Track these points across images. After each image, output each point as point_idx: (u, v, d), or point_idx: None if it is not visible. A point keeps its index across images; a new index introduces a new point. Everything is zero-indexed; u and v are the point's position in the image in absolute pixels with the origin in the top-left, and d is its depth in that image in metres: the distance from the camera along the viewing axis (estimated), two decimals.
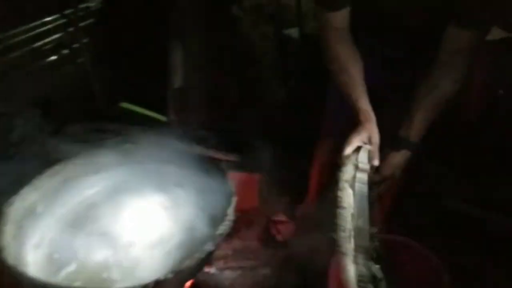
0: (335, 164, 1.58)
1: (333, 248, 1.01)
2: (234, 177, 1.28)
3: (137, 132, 1.48)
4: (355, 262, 0.92)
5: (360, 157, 1.09)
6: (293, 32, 2.74)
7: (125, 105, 1.82)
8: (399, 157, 1.16)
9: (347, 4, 1.14)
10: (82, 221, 1.19)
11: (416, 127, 1.13)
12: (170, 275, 0.93)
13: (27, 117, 1.43)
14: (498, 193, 1.79)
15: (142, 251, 1.14)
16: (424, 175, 1.87)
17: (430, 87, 1.11)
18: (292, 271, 1.48)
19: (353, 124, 1.15)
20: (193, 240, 1.19)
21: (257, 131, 2.16)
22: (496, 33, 2.30)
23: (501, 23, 2.33)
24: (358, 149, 1.10)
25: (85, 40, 1.90)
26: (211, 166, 1.31)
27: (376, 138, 1.11)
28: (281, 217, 1.71)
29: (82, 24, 1.89)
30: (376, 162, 1.11)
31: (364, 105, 1.13)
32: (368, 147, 1.10)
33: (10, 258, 0.95)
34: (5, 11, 1.55)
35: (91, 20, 1.94)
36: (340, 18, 1.16)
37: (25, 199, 1.13)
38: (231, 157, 1.74)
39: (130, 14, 1.95)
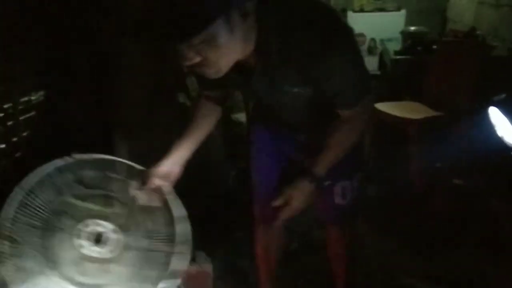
0: (276, 246, 1.58)
1: None
2: (186, 273, 1.21)
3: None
4: None
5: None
6: (241, 116, 2.84)
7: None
8: (300, 184, 1.18)
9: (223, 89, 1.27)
10: None
11: (319, 162, 1.18)
12: None
13: None
14: (450, 269, 1.82)
15: None
16: (377, 252, 1.88)
17: (333, 130, 1.18)
18: None
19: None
20: None
21: (206, 217, 2.12)
22: (422, 112, 2.53)
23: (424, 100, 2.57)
24: None
25: (24, 134, 1.83)
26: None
27: (162, 171, 1.19)
28: None
29: (22, 117, 1.83)
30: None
31: (179, 146, 1.23)
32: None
33: None
34: None
35: (32, 113, 1.89)
36: (215, 94, 1.28)
37: None
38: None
39: (73, 106, 1.93)
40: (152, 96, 1.84)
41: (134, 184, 1.14)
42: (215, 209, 2.17)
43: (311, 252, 1.97)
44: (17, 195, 1.04)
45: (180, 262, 1.14)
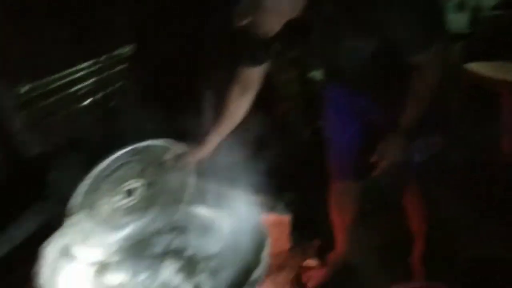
0: (351, 205, 1.58)
1: None
2: (264, 219, 1.26)
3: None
4: None
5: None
6: (317, 74, 2.79)
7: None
8: (392, 139, 1.18)
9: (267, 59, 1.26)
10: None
11: (404, 112, 1.16)
12: None
13: (63, 158, 1.46)
14: None
15: None
16: (462, 225, 1.81)
17: (413, 85, 1.15)
18: None
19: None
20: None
21: (283, 172, 2.16)
22: None
23: None
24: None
25: (118, 85, 1.97)
26: (243, 207, 1.29)
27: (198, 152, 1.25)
28: (312, 263, 1.66)
29: (117, 69, 1.96)
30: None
31: (216, 128, 1.29)
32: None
33: None
34: (43, 58, 1.62)
35: (124, 66, 2.02)
36: (257, 73, 1.28)
37: (59, 241, 1.13)
38: (261, 198, 1.72)
39: (161, 60, 2.02)
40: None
41: (171, 153, 1.23)
42: (295, 166, 2.20)
43: (387, 214, 1.94)
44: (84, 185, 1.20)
45: None
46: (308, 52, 1.58)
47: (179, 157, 1.23)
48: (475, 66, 2.40)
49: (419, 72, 1.12)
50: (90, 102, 1.88)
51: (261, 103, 2.25)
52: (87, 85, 1.86)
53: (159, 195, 1.22)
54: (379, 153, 1.18)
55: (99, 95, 1.94)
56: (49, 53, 1.64)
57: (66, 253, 1.15)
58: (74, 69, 1.81)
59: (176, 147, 1.26)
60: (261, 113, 2.19)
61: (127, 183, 1.22)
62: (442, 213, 1.78)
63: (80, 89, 1.83)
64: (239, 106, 1.30)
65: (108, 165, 1.24)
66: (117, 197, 1.20)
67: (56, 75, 1.71)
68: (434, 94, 1.16)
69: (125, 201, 1.20)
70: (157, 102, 1.98)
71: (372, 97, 1.32)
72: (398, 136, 1.17)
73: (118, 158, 1.26)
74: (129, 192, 1.21)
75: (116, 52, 2.02)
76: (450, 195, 1.93)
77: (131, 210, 1.20)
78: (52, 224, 1.19)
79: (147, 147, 1.26)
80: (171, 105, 1.99)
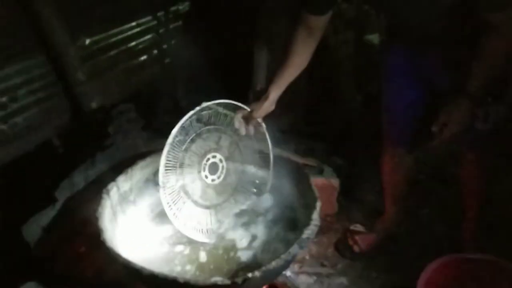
0: (403, 173, 1.54)
1: None
2: (314, 182, 1.26)
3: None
4: None
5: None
6: (374, 38, 2.67)
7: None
8: (458, 103, 1.12)
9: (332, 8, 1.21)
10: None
11: (473, 75, 1.10)
12: (257, 274, 0.92)
13: (122, 110, 1.51)
14: None
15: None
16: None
17: (483, 43, 1.08)
18: (371, 283, 1.43)
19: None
20: (276, 241, 1.20)
21: (334, 136, 2.14)
22: None
23: None
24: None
25: (173, 42, 1.98)
26: (294, 170, 1.30)
27: (261, 109, 1.22)
28: (359, 228, 1.66)
29: (172, 26, 1.97)
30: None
31: (275, 81, 1.24)
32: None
33: (107, 240, 1.00)
34: (103, 13, 1.66)
35: (179, 23, 2.02)
36: (322, 21, 1.22)
37: (120, 187, 1.20)
38: (311, 162, 1.72)
39: (217, 16, 2.01)
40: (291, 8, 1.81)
41: (238, 119, 1.21)
42: (345, 131, 2.17)
43: (440, 185, 1.88)
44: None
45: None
46: (370, 11, 1.49)
47: (248, 117, 1.22)
48: None
49: (495, 33, 1.04)
50: (147, 57, 1.92)
51: (315, 64, 2.22)
52: (145, 41, 1.89)
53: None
54: (442, 120, 1.12)
55: (155, 51, 1.97)
56: (110, 7, 1.68)
57: (126, 198, 1.23)
58: (133, 23, 1.84)
59: (241, 107, 1.24)
60: (314, 74, 2.16)
61: (208, 157, 1.23)
62: (501, 185, 1.70)
63: (138, 44, 1.86)
64: (304, 49, 1.24)
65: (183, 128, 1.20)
66: (203, 173, 1.22)
67: (116, 29, 1.75)
68: (508, 58, 1.08)
69: (210, 179, 1.24)
70: (213, 60, 2.00)
71: (438, 59, 1.24)
72: (465, 102, 1.10)
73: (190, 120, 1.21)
74: (214, 168, 1.24)
75: (173, 8, 2.03)
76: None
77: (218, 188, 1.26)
78: (112, 172, 1.26)
79: (216, 110, 1.24)
80: (227, 63, 1.99)
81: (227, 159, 1.27)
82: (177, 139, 1.15)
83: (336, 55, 2.41)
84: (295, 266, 1.47)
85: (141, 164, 1.27)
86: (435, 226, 1.65)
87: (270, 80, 1.26)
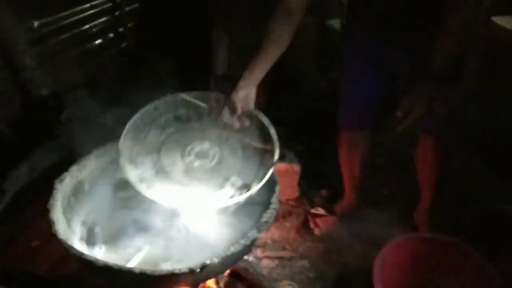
0: (360, 156, 1.57)
1: None
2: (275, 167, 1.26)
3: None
4: None
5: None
6: (335, 23, 2.69)
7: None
8: (421, 89, 1.13)
9: None
10: (127, 200, 1.20)
11: (437, 54, 1.11)
12: (215, 260, 0.92)
13: (75, 97, 1.45)
14: None
15: (186, 233, 1.15)
16: (466, 174, 1.80)
17: (444, 26, 1.10)
18: (331, 265, 1.46)
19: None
20: (235, 228, 1.19)
21: (296, 122, 2.15)
22: None
23: None
24: None
25: (130, 25, 1.92)
26: (254, 155, 1.29)
27: (243, 94, 1.17)
28: (320, 211, 1.69)
29: (128, 8, 1.90)
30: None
31: (254, 65, 1.18)
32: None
33: (61, 231, 0.97)
34: None
35: (136, 5, 1.95)
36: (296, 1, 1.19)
37: (73, 177, 1.15)
38: (271, 147, 1.72)
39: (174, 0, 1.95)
40: None
41: (224, 114, 1.17)
42: (306, 117, 2.18)
43: (397, 168, 1.94)
44: (129, 131, 1.14)
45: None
46: None
47: (227, 105, 1.17)
48: (500, 20, 2.28)
49: (457, 9, 1.06)
50: (102, 41, 1.84)
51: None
52: (99, 23, 1.82)
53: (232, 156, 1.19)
54: (407, 104, 1.12)
55: (111, 34, 1.89)
56: None
57: (81, 189, 1.18)
58: (87, 5, 1.76)
59: (215, 95, 1.20)
60: (279, 61, 2.15)
61: (192, 144, 1.17)
62: (455, 167, 1.77)
63: (92, 27, 1.79)
64: (282, 33, 1.20)
65: (149, 114, 1.17)
66: (188, 158, 1.15)
67: (69, 11, 1.67)
68: (469, 35, 1.11)
69: (198, 163, 1.15)
70: (169, 44, 1.94)
71: (399, 42, 1.25)
72: (429, 84, 1.10)
73: (156, 108, 1.19)
74: (200, 154, 1.17)
75: None
76: (465, 149, 1.90)
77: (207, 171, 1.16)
78: (65, 162, 1.21)
79: (186, 99, 1.20)
80: (184, 47, 1.94)
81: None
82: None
83: (296, 39, 2.42)
84: (257, 251, 1.48)
85: (95, 153, 1.22)
86: (393, 208, 1.70)
87: (246, 65, 1.20)
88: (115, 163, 1.15)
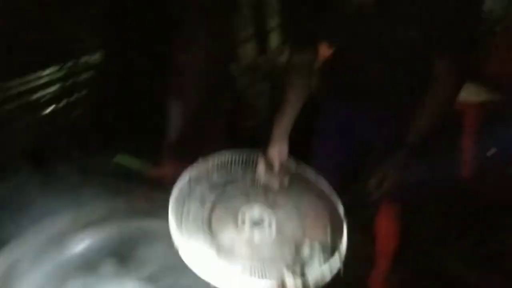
0: None
1: None
2: None
3: (129, 186, 1.45)
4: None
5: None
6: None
7: (120, 158, 1.79)
8: (396, 159, 1.16)
9: (313, 43, 1.23)
10: (69, 278, 1.13)
11: (416, 126, 1.14)
12: None
13: (20, 169, 1.40)
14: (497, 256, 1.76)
15: None
16: (422, 238, 1.84)
17: (431, 95, 1.14)
18: None
19: None
20: None
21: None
22: (479, 94, 2.40)
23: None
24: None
25: (83, 93, 1.92)
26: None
27: (277, 157, 1.15)
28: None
29: (81, 77, 1.91)
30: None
31: (283, 123, 1.19)
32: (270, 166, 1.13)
33: None
34: (4, 62, 1.56)
35: (91, 73, 1.97)
36: (304, 57, 1.23)
37: (9, 257, 1.08)
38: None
39: (129, 68, 1.98)
40: (207, 63, 1.85)
41: (261, 173, 1.12)
42: None
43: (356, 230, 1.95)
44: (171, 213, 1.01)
45: None
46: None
47: (262, 163, 1.13)
48: None
49: (439, 82, 1.10)
50: (53, 109, 1.82)
51: (231, 117, 2.26)
52: (51, 92, 1.80)
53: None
54: (381, 175, 1.14)
55: (63, 103, 1.88)
56: (10, 57, 1.58)
57: (15, 270, 1.10)
58: (37, 75, 1.75)
59: (246, 154, 1.16)
60: (230, 127, 2.19)
61: (241, 212, 1.06)
62: (413, 232, 1.81)
63: (43, 96, 1.77)
64: (299, 90, 1.22)
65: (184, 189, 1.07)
66: (245, 230, 1.03)
67: (17, 80, 1.65)
68: (450, 107, 1.16)
69: (258, 235, 1.03)
70: (123, 112, 1.95)
71: (376, 113, 1.27)
72: (405, 154, 1.13)
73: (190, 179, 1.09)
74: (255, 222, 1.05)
75: (83, 59, 1.97)
76: (423, 214, 1.96)
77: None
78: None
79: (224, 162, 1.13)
80: (140, 112, 1.94)
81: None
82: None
83: (253, 106, 2.49)
84: None
85: (35, 228, 1.16)
86: (348, 271, 1.69)
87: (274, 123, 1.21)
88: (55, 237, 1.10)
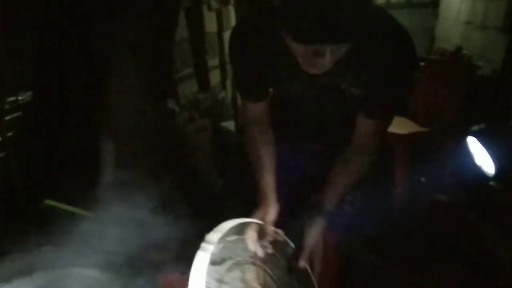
0: None
1: None
2: (167, 279, 1.20)
3: (60, 232, 1.37)
4: None
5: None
6: (229, 124, 2.85)
7: (49, 202, 1.69)
8: (315, 227, 1.18)
9: (266, 97, 1.26)
10: None
11: (330, 197, 1.20)
12: None
13: None
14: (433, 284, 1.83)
15: None
16: (359, 265, 1.88)
17: (343, 164, 1.21)
18: None
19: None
20: None
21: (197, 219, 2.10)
22: (409, 127, 2.58)
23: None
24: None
25: (9, 134, 1.80)
26: (139, 267, 1.22)
27: (269, 216, 1.13)
28: None
29: (8, 117, 1.80)
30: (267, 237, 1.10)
31: (264, 186, 1.18)
32: (258, 222, 1.10)
33: None
34: None
35: (18, 114, 1.86)
36: (259, 109, 1.26)
37: None
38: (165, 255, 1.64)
39: (59, 109, 1.91)
40: (142, 102, 1.84)
41: (251, 239, 1.04)
42: (203, 214, 2.15)
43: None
44: None
45: None
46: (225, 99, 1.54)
47: (263, 231, 1.08)
48: None
49: (358, 151, 1.19)
50: None
51: (172, 154, 2.23)
52: None
53: None
54: (307, 254, 1.16)
55: None
56: None
57: None
58: None
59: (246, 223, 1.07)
60: (172, 164, 2.16)
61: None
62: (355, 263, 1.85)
63: None
64: (264, 140, 1.25)
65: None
66: None
67: None
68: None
69: None
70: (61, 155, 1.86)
71: (316, 150, 1.33)
72: (322, 220, 1.18)
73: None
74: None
75: (11, 98, 1.87)
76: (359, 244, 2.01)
77: None
78: None
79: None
80: (72, 154, 1.86)
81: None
82: None
83: (194, 142, 2.49)
84: None
85: None
86: None
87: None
88: None
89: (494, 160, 1.51)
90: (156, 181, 2.01)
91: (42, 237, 1.32)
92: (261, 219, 1.12)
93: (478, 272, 1.87)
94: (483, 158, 1.54)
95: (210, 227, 1.93)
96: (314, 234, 1.18)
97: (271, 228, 1.11)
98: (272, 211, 1.14)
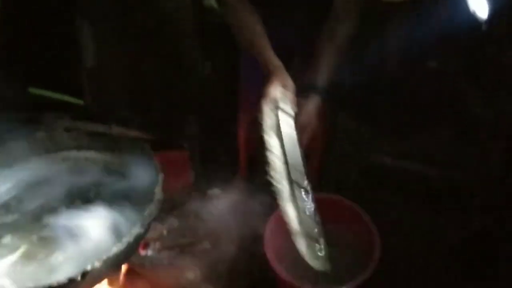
0: (258, 137, 1.62)
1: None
2: (162, 157, 1.25)
3: (50, 118, 1.37)
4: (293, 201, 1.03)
5: (281, 103, 1.11)
6: (213, 2, 2.66)
7: (34, 90, 1.66)
8: (310, 104, 1.21)
9: None
10: None
11: (321, 72, 1.21)
12: (97, 264, 0.88)
13: None
14: (416, 145, 1.91)
15: (66, 244, 1.08)
16: (345, 133, 1.94)
17: (329, 34, 1.21)
18: (232, 244, 1.49)
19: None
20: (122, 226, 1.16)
21: (182, 108, 2.11)
22: None
23: None
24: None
25: None
26: (134, 148, 1.26)
27: (290, 83, 1.14)
28: (217, 192, 1.70)
29: None
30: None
31: (270, 55, 1.16)
32: (285, 93, 1.13)
33: None
34: None
35: None
36: None
37: None
38: (156, 136, 1.68)
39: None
40: None
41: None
42: (194, 96, 2.15)
43: None
44: None
45: None
46: None
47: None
48: None
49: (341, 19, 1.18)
50: None
51: (156, 39, 2.12)
52: None
53: None
54: (303, 122, 1.18)
55: None
56: None
57: None
58: None
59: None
60: (155, 47, 2.07)
61: None
62: (340, 129, 1.90)
63: None
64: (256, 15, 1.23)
65: None
66: None
67: None
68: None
69: None
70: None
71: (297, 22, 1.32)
72: (316, 99, 1.20)
73: None
74: None
75: None
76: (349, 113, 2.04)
77: None
78: None
79: None
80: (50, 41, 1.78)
81: None
82: None
83: (176, 20, 2.35)
84: (156, 244, 1.46)
85: None
86: None
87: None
88: None
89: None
90: (140, 65, 1.96)
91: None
92: (283, 86, 1.12)
93: (462, 136, 1.93)
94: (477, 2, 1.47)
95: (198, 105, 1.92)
96: (309, 111, 1.19)
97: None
98: (287, 76, 1.14)
